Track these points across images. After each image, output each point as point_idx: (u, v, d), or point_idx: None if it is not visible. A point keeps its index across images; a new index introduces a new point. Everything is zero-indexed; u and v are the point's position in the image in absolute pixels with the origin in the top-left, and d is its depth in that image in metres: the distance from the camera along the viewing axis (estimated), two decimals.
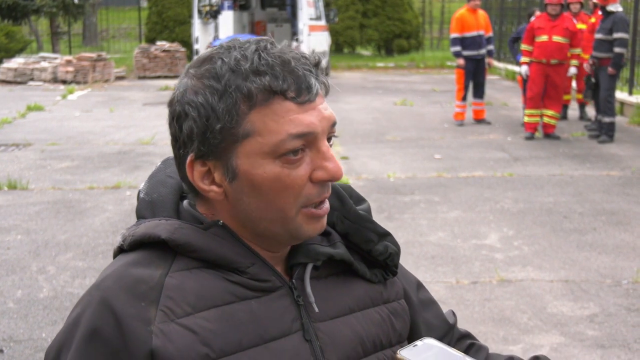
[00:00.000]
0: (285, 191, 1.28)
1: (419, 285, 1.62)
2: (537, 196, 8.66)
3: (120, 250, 1.39)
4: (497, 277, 6.20)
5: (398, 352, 1.35)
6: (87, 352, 1.26)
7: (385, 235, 1.48)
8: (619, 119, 13.85)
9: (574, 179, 9.46)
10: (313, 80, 1.29)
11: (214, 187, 1.31)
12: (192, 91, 1.28)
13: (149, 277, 1.29)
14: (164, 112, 12.88)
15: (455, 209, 8.16)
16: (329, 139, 1.32)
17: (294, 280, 1.37)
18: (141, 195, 1.42)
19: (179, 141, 1.32)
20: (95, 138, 12.46)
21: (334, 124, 1.32)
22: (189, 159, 1.30)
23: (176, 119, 1.31)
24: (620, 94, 14.86)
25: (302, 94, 1.27)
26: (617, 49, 11.66)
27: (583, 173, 9.80)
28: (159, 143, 11.92)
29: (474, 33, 13.27)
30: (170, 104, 1.33)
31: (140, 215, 1.40)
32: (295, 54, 1.29)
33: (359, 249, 1.46)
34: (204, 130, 1.27)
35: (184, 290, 1.29)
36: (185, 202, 1.38)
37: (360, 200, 1.52)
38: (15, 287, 5.99)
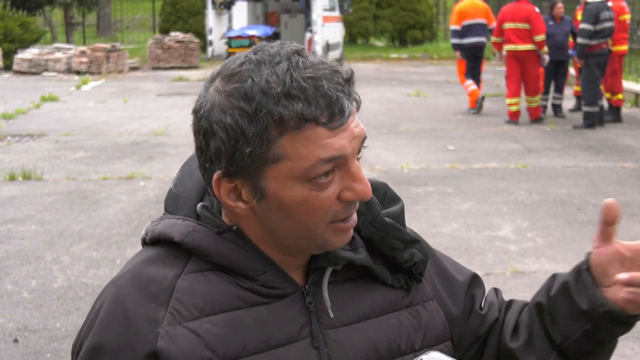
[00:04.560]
0: (313, 212, 1.26)
1: (474, 284, 1.57)
2: (551, 188, 8.64)
3: (145, 242, 1.40)
4: (511, 268, 6.19)
5: None
6: (97, 350, 1.28)
7: (413, 242, 1.44)
8: (633, 111, 13.80)
9: (588, 171, 9.43)
10: (346, 103, 1.24)
11: (241, 204, 1.29)
12: (220, 109, 1.24)
13: (162, 277, 1.30)
14: (178, 103, 12.84)
15: (469, 201, 8.15)
16: (359, 151, 1.29)
17: (307, 286, 1.36)
18: (171, 185, 1.42)
19: (204, 154, 1.28)
20: (109, 129, 12.49)
21: (364, 139, 1.29)
22: (215, 176, 1.27)
23: (203, 134, 1.27)
24: (635, 86, 14.79)
25: (335, 119, 1.22)
26: (578, 39, 12.13)
27: (597, 164, 9.77)
28: (173, 134, 11.93)
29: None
30: (196, 114, 1.28)
31: (166, 207, 1.41)
32: (327, 72, 1.24)
33: (383, 254, 1.43)
34: (232, 152, 1.24)
35: (194, 294, 1.29)
36: (199, 206, 1.36)
37: (394, 199, 1.48)
38: (29, 277, 6.02)
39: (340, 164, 1.25)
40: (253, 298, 1.31)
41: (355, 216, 1.32)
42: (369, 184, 1.28)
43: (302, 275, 1.38)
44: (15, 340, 5.00)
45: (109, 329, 1.28)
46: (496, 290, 1.63)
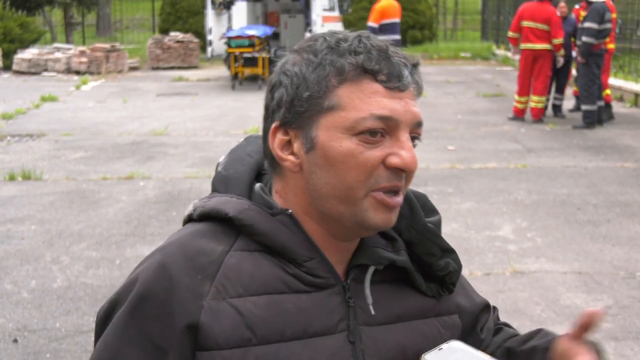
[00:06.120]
0: (355, 169, 1.28)
1: (484, 310, 1.61)
2: (551, 187, 8.64)
3: (189, 219, 1.41)
4: (511, 268, 6.19)
5: (422, 355, 1.34)
6: (135, 311, 1.28)
7: (449, 252, 1.48)
8: (633, 110, 13.80)
9: (587, 171, 9.43)
10: (406, 72, 1.31)
11: (291, 157, 1.33)
12: (290, 63, 1.34)
13: (211, 250, 1.32)
14: (177, 103, 12.85)
15: (469, 200, 8.14)
16: (413, 139, 1.33)
17: (348, 281, 1.38)
18: (219, 168, 1.45)
19: (268, 110, 1.36)
20: (108, 129, 12.49)
21: (419, 124, 1.33)
22: (273, 125, 1.34)
23: (271, 89, 1.36)
24: (635, 86, 14.80)
25: (393, 80, 1.29)
26: (583, 38, 12.09)
27: (597, 164, 9.77)
28: (172, 134, 11.93)
29: None
30: (271, 77, 1.38)
31: (215, 188, 1.43)
32: (395, 50, 1.33)
33: (419, 261, 1.46)
34: (292, 98, 1.31)
35: (241, 271, 1.30)
36: (257, 185, 1.40)
37: (432, 211, 1.51)
38: (29, 277, 6.02)
39: (391, 129, 1.29)
40: (297, 285, 1.33)
41: (400, 198, 1.33)
42: (416, 159, 1.31)
43: (343, 271, 1.39)
44: (15, 340, 4.99)
45: (152, 295, 1.28)
46: (494, 309, 1.66)
